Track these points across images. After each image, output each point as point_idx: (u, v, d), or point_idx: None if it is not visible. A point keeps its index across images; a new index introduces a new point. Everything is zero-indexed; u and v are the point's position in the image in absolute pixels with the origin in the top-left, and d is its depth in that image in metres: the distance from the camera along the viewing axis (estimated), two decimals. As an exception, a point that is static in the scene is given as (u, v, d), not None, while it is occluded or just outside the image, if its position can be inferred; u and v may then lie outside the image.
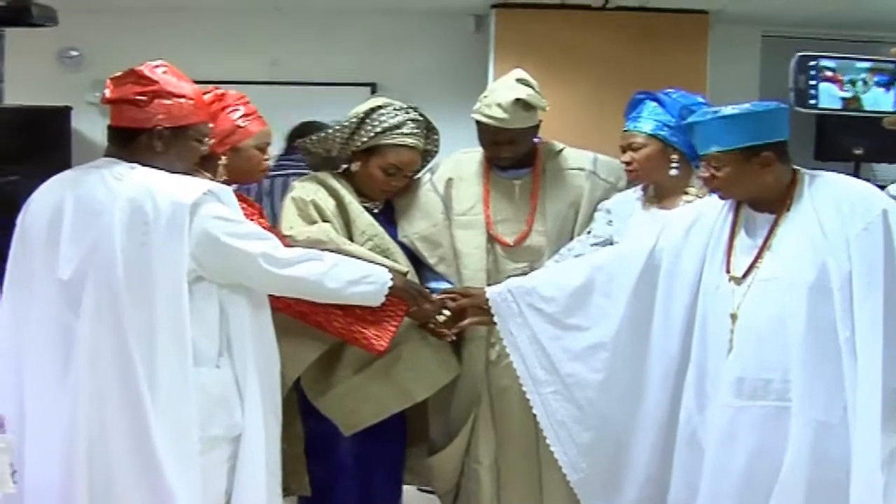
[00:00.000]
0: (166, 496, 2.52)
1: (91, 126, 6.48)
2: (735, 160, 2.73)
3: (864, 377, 2.55)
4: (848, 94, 2.08)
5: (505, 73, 3.52)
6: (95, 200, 2.59)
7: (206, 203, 2.62)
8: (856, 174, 6.03)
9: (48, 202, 2.66)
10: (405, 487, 3.68)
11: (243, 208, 2.94)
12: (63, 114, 6.81)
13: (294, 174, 4.05)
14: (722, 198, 2.89)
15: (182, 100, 2.70)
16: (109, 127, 2.73)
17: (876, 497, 2.51)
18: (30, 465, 2.60)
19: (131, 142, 2.68)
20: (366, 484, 3.44)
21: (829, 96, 2.08)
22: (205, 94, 3.00)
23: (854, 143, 6.56)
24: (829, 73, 2.10)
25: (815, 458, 2.62)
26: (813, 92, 2.09)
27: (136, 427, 2.52)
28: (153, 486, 2.53)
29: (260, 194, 4.37)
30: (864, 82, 2.08)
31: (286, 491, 3.39)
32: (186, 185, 2.62)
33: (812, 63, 2.11)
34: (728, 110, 2.74)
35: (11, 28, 5.91)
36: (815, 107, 2.10)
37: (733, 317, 2.77)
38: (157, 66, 2.72)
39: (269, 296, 2.90)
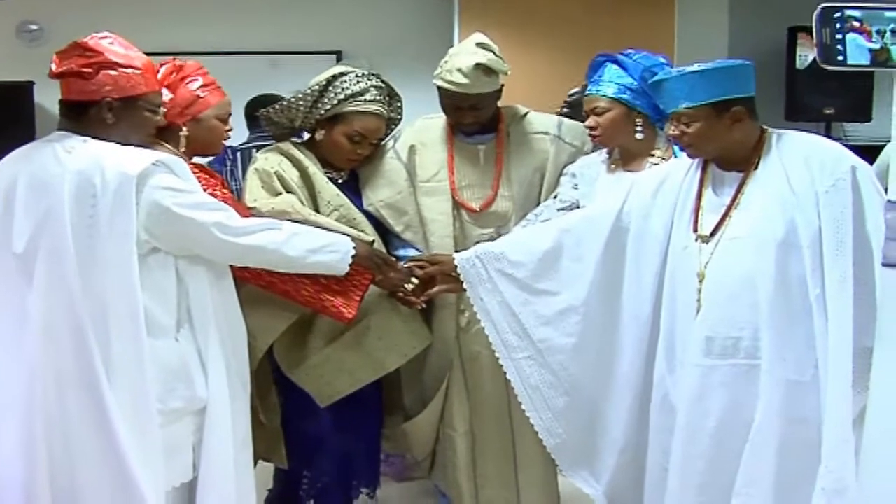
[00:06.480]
0: (123, 469, 2.51)
1: (55, 101, 6.34)
2: (706, 115, 2.73)
3: (834, 336, 2.55)
4: (876, 46, 1.99)
5: (470, 39, 3.48)
6: (47, 174, 2.56)
7: (156, 174, 2.59)
8: (827, 134, 6.03)
9: (3, 178, 2.64)
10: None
11: (204, 179, 2.92)
12: (26, 89, 6.75)
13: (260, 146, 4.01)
14: (691, 156, 2.88)
15: (129, 70, 2.66)
16: (61, 101, 2.71)
17: (848, 455, 2.51)
18: None
19: (83, 115, 2.66)
20: (344, 454, 3.43)
21: (857, 48, 1.98)
22: (162, 65, 2.97)
23: (824, 102, 6.54)
24: (855, 24, 2.01)
25: (787, 417, 2.63)
26: (840, 47, 1.99)
27: (92, 400, 2.51)
28: (110, 459, 2.52)
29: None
30: (893, 32, 2.00)
31: (267, 459, 3.38)
32: (135, 156, 2.59)
33: (837, 14, 2.02)
34: (696, 66, 2.73)
35: (-33, 5, 5.85)
36: (843, 63, 2.00)
37: (700, 276, 2.77)
38: (102, 38, 2.69)
39: (236, 266, 2.88)
